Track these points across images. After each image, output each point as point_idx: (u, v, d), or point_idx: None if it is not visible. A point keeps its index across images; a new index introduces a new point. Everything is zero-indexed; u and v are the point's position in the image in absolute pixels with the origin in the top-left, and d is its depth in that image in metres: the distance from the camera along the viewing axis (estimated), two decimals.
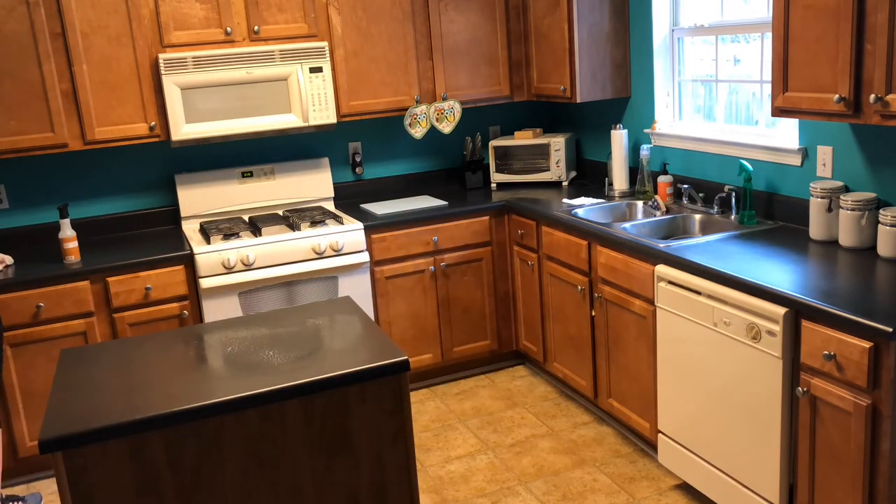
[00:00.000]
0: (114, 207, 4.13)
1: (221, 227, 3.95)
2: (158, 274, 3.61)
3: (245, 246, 3.73)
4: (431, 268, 4.12)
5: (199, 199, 4.14)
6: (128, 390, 2.09)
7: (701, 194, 3.66)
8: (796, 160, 3.21)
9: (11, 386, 3.46)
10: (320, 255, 3.85)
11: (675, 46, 3.96)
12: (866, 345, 2.22)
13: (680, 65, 3.98)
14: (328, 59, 3.98)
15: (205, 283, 3.65)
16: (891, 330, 2.14)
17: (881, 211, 2.72)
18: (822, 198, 2.95)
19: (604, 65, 4.10)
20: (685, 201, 3.74)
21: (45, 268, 3.51)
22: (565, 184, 4.52)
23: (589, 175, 4.64)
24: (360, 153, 4.58)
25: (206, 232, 3.88)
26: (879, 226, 2.73)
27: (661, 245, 3.09)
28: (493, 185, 4.59)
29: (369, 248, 3.98)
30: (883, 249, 2.73)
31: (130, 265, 3.57)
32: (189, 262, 3.67)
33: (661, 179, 3.79)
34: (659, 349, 3.10)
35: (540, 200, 4.14)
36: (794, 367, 2.50)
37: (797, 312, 2.45)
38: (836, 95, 2.54)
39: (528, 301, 4.20)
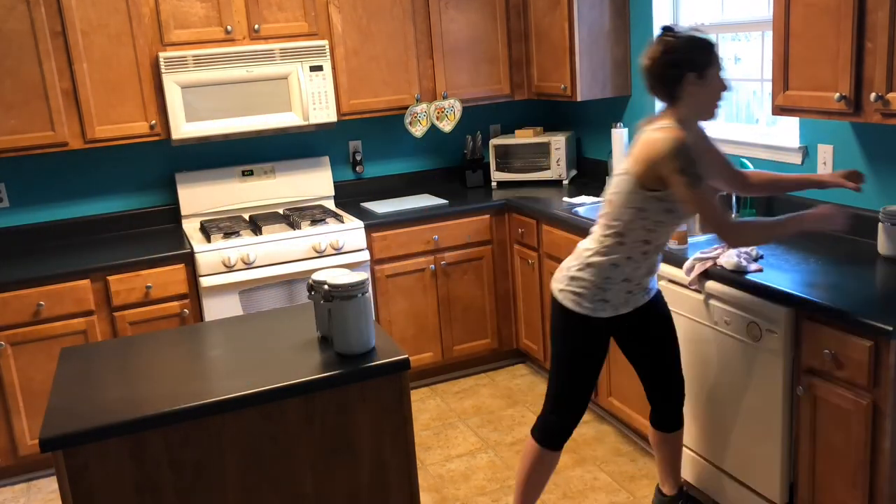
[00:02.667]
0: (114, 206, 4.13)
1: (222, 225, 3.95)
2: (159, 273, 3.61)
3: (245, 244, 3.72)
4: (432, 266, 4.12)
5: (199, 197, 4.14)
6: (128, 389, 2.10)
7: None
8: (797, 159, 3.21)
9: (12, 384, 3.46)
10: (321, 254, 3.85)
11: None
12: (867, 343, 2.21)
13: None
14: (328, 57, 3.98)
15: (205, 281, 3.65)
16: (891, 329, 2.13)
17: (881, 209, 2.72)
18: None
19: (604, 63, 4.10)
20: None
21: (46, 266, 3.52)
22: (566, 182, 4.51)
23: (589, 173, 4.64)
24: (361, 152, 4.58)
25: (206, 230, 3.88)
26: (880, 224, 2.73)
27: None
28: (494, 184, 4.58)
29: (370, 247, 3.98)
30: (883, 248, 2.73)
31: (131, 264, 3.56)
32: (189, 260, 3.67)
33: None
34: None
35: (540, 199, 4.14)
36: (794, 366, 2.49)
37: (798, 311, 2.45)
38: (837, 94, 2.54)
39: (528, 300, 4.20)
